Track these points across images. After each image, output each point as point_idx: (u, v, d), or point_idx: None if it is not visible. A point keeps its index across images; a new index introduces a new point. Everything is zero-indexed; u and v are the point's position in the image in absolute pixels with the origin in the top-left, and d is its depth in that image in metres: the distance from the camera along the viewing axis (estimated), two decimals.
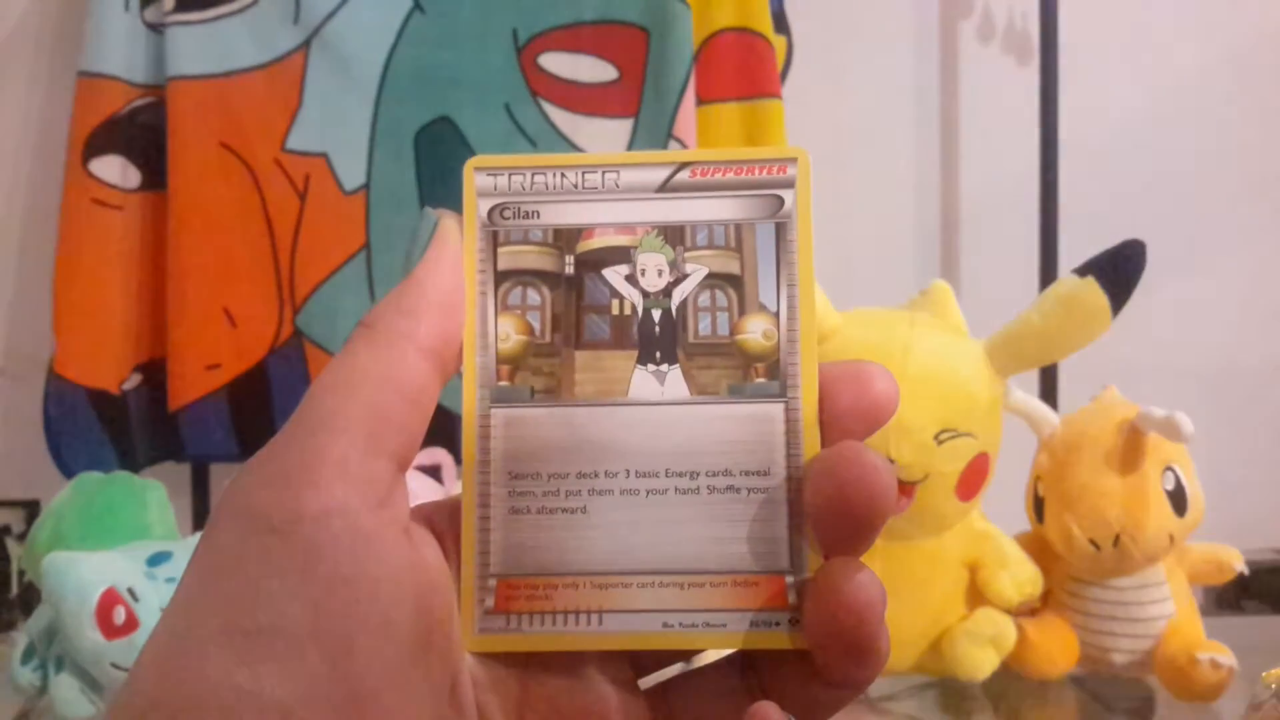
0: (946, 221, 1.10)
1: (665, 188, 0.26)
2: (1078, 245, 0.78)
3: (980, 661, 0.72)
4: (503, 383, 0.25)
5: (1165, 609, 0.72)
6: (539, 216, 0.26)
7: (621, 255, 0.25)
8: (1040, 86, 1.03)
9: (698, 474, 0.25)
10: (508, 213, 0.26)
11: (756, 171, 0.25)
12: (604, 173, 0.26)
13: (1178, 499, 0.71)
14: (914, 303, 0.77)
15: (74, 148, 0.91)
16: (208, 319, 0.92)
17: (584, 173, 0.26)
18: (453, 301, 0.25)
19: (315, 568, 0.21)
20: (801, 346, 0.25)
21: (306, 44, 0.93)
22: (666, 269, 0.25)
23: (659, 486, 0.24)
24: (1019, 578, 0.73)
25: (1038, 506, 0.75)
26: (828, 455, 0.24)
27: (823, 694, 0.24)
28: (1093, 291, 0.68)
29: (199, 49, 0.92)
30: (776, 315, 0.25)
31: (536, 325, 0.25)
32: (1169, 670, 0.70)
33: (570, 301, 0.25)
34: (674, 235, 0.25)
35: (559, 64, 0.95)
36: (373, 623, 0.21)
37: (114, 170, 0.92)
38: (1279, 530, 1.05)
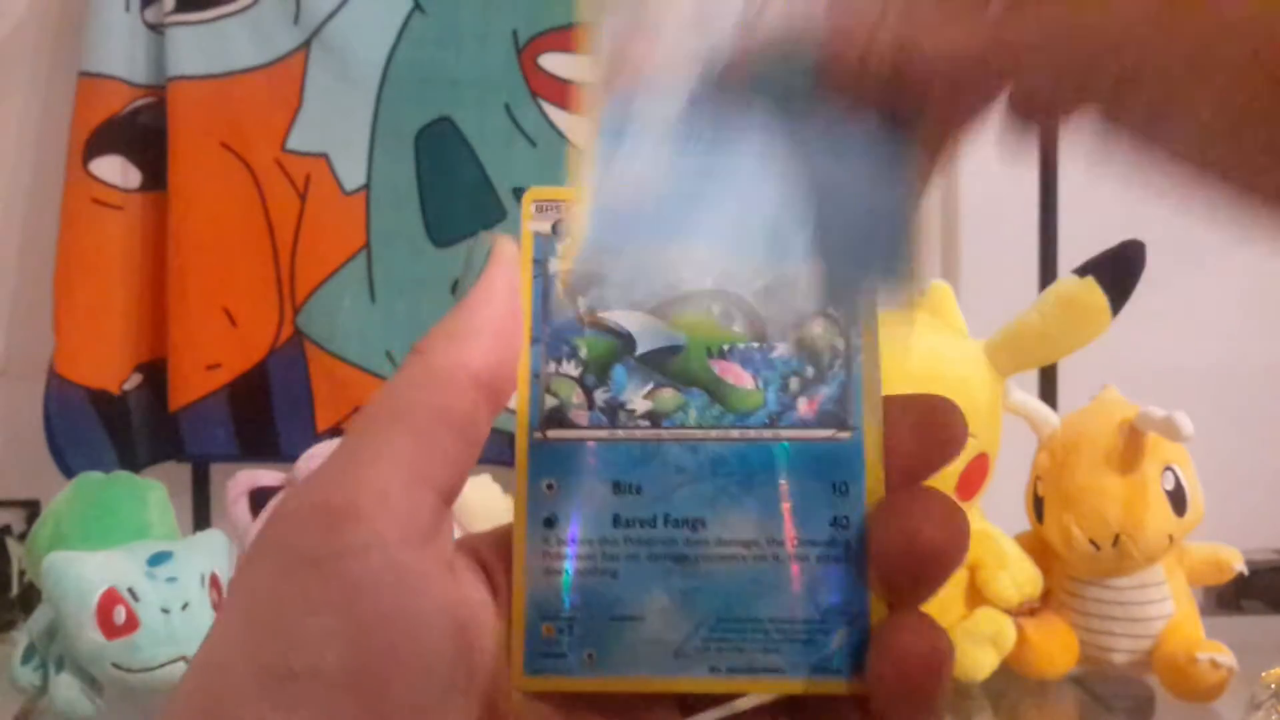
0: (946, 221, 1.10)
1: None
2: (1078, 245, 0.78)
3: (980, 661, 0.72)
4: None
5: (1165, 609, 0.72)
6: None
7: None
8: None
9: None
10: None
11: None
12: None
13: (1177, 499, 0.71)
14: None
15: (74, 148, 0.91)
16: (208, 319, 0.92)
17: None
18: (507, 328, 0.24)
19: (353, 605, 0.20)
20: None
21: (306, 44, 0.93)
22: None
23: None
24: (1018, 577, 0.73)
25: (1037, 506, 0.75)
26: (896, 501, 0.23)
27: None
28: (1092, 291, 0.68)
29: (199, 49, 0.92)
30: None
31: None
32: (1168, 670, 0.70)
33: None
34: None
35: (559, 64, 0.95)
36: (410, 663, 0.21)
37: (114, 170, 0.92)
38: (1279, 530, 1.05)
